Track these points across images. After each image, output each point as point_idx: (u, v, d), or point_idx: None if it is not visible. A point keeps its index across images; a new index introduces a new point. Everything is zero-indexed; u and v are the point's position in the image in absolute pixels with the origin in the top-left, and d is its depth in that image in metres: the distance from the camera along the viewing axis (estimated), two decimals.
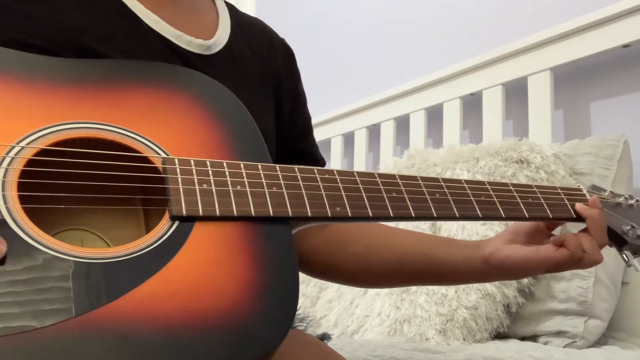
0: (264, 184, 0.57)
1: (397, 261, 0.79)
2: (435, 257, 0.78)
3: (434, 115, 1.85)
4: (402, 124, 1.97)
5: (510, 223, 0.83)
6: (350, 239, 0.82)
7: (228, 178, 0.56)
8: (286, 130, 0.84)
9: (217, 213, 0.53)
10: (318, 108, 2.32)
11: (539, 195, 0.73)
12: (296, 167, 0.61)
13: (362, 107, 2.10)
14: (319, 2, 2.54)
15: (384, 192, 0.63)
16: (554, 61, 1.49)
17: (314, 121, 2.52)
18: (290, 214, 0.57)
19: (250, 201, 0.55)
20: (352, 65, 2.32)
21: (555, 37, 1.47)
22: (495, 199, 0.69)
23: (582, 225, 0.75)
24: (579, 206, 0.74)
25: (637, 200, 0.80)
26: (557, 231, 0.84)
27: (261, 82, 0.80)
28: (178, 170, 0.55)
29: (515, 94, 1.63)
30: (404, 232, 0.83)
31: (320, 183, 0.60)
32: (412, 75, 1.93)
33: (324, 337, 0.87)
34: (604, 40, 1.38)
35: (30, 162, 0.51)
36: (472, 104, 1.74)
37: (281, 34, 0.90)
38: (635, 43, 1.35)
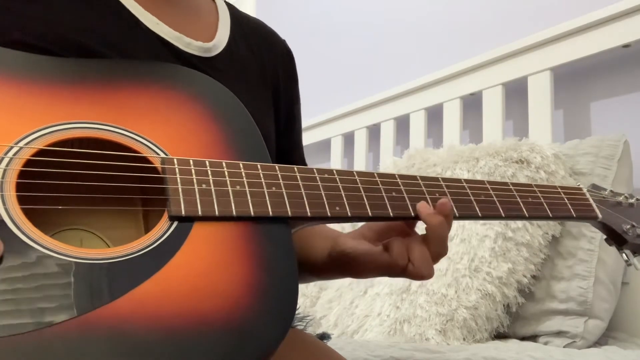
0: (263, 183, 0.57)
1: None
2: (305, 251, 0.74)
3: (434, 115, 1.85)
4: (402, 124, 1.97)
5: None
6: None
7: (227, 178, 0.56)
8: (282, 135, 0.83)
9: (216, 213, 0.53)
10: (318, 108, 2.32)
11: (539, 194, 0.73)
12: (295, 167, 0.61)
13: (362, 107, 2.10)
14: (319, 2, 2.54)
15: (383, 192, 0.63)
16: (554, 61, 1.49)
17: (313, 121, 2.52)
18: (289, 214, 0.57)
19: (250, 201, 0.55)
20: (352, 65, 2.32)
21: (555, 37, 1.47)
22: (495, 198, 0.69)
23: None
24: (421, 208, 0.63)
25: (637, 199, 0.80)
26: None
27: (261, 85, 0.80)
28: (177, 170, 0.55)
29: (515, 94, 1.63)
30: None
31: (319, 183, 0.60)
32: (412, 75, 1.93)
33: (324, 336, 0.87)
34: (604, 40, 1.38)
35: (28, 163, 0.51)
36: (472, 104, 1.74)
37: (281, 33, 0.90)
38: (635, 43, 1.35)
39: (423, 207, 0.63)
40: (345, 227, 1.51)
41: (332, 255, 0.69)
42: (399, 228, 0.68)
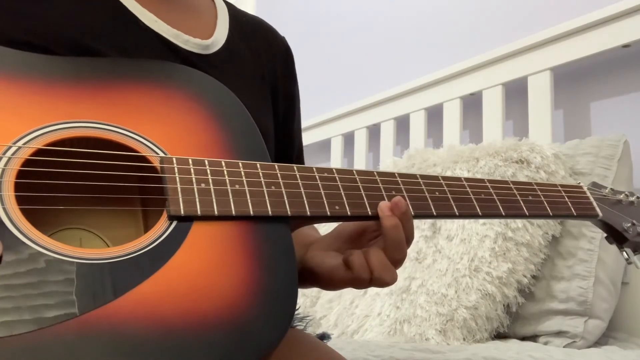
0: (263, 183, 0.57)
1: None
2: None
3: (434, 115, 1.85)
4: (402, 124, 1.97)
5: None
6: None
7: (226, 177, 0.56)
8: (281, 133, 0.83)
9: (216, 212, 0.53)
10: (318, 108, 2.32)
11: (539, 192, 0.72)
12: (295, 166, 0.61)
13: (362, 107, 2.10)
14: (319, 2, 2.54)
15: (383, 191, 0.63)
16: (554, 61, 1.48)
17: (313, 121, 2.52)
18: (289, 213, 0.56)
19: (249, 200, 0.55)
20: (352, 65, 2.32)
21: (555, 37, 1.47)
22: (495, 196, 0.69)
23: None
24: (382, 209, 0.60)
25: (638, 197, 0.80)
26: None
27: (259, 83, 0.80)
28: (176, 169, 0.55)
29: (515, 94, 1.63)
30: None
31: (319, 182, 0.60)
32: (412, 75, 1.93)
33: (323, 336, 0.87)
34: (604, 40, 1.38)
35: (27, 162, 0.50)
36: (472, 104, 1.74)
37: (281, 33, 0.90)
38: (635, 43, 1.35)
39: (383, 208, 0.60)
40: None
41: (299, 267, 0.66)
42: (368, 230, 0.65)
